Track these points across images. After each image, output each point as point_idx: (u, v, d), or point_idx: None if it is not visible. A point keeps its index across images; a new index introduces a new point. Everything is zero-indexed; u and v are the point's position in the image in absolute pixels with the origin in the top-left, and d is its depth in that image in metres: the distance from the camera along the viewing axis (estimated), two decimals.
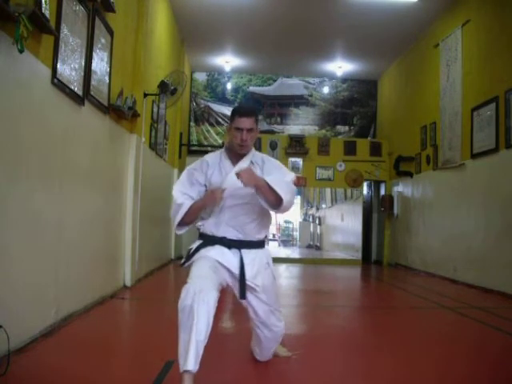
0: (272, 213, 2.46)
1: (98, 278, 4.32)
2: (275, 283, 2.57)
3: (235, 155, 2.47)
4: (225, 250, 2.37)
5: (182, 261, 2.44)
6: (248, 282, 2.34)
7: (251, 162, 2.47)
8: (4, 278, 2.59)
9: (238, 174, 2.21)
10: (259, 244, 2.48)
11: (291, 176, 2.45)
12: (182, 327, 2.07)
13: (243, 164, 2.42)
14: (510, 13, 5.74)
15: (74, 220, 3.65)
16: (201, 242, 2.43)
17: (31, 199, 2.91)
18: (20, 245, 2.79)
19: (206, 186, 2.45)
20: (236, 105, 10.89)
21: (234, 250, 2.38)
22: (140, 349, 3.06)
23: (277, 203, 2.29)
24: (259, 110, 2.28)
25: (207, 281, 2.16)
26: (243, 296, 2.35)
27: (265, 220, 2.50)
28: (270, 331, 2.55)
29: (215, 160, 2.49)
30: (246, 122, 2.34)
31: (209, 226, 2.42)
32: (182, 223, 2.41)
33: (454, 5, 7.18)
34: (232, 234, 2.40)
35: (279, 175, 2.40)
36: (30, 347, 2.82)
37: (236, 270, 2.34)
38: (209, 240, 2.40)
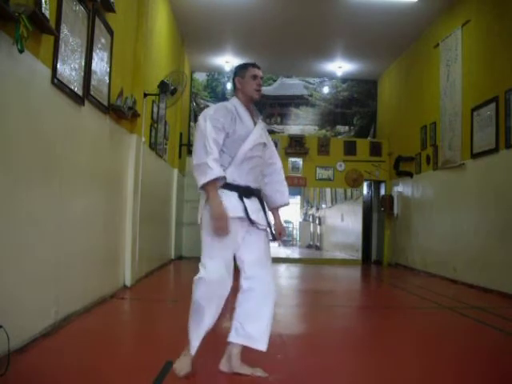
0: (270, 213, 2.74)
1: (97, 278, 4.32)
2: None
3: (247, 106, 2.62)
4: (251, 205, 2.49)
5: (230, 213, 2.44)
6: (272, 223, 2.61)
7: (264, 131, 2.66)
8: (4, 278, 2.59)
9: (280, 235, 2.73)
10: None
11: (281, 164, 2.84)
12: (196, 318, 2.43)
13: (259, 122, 2.62)
14: (510, 13, 5.74)
15: (73, 220, 3.65)
16: (230, 192, 2.45)
17: (31, 199, 2.91)
18: (20, 245, 2.79)
19: (228, 134, 2.46)
20: None
21: (255, 199, 2.55)
22: (140, 349, 3.06)
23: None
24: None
25: (224, 272, 2.42)
26: (274, 238, 2.63)
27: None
28: (262, 281, 2.52)
29: (232, 109, 2.54)
30: (259, 72, 2.58)
31: (231, 175, 2.46)
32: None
33: (453, 5, 7.18)
34: (253, 184, 2.55)
35: (275, 159, 2.75)
36: (30, 347, 2.82)
37: (261, 220, 2.53)
38: (232, 188, 2.46)
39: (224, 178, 2.40)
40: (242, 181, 2.48)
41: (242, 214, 2.43)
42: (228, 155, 2.47)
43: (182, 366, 2.43)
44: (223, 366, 2.53)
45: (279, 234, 2.73)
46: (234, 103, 2.58)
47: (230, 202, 2.43)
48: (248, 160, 2.50)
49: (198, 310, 2.44)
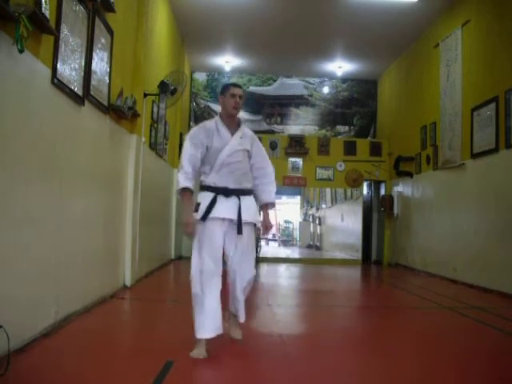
0: (272, 211, 3.28)
1: (98, 278, 4.32)
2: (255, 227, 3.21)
3: (230, 122, 3.08)
4: (226, 203, 2.96)
5: (198, 216, 2.91)
6: (244, 219, 2.97)
7: (244, 133, 3.11)
8: (4, 278, 2.59)
9: (266, 229, 3.20)
10: (250, 191, 3.11)
11: (267, 158, 3.26)
12: (197, 308, 2.88)
13: (238, 134, 3.06)
14: (510, 13, 5.74)
15: (73, 220, 3.65)
16: (209, 194, 2.97)
17: (31, 199, 2.91)
18: (20, 245, 2.79)
19: (207, 147, 3.00)
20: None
21: (234, 197, 2.98)
22: (140, 349, 3.06)
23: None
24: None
25: (211, 264, 2.90)
26: (240, 231, 2.97)
27: (249, 175, 3.14)
28: (243, 278, 3.06)
29: (212, 126, 3.06)
30: (238, 91, 3.06)
31: (212, 179, 2.99)
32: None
33: (453, 5, 7.18)
34: (232, 185, 2.99)
35: (264, 164, 3.20)
36: (29, 347, 2.82)
37: (234, 216, 2.97)
38: (212, 190, 2.97)
39: (189, 189, 2.91)
40: (220, 183, 2.98)
41: (215, 215, 2.92)
42: (208, 164, 3.00)
43: (197, 353, 2.82)
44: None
45: (265, 228, 3.20)
46: (216, 120, 3.09)
47: (205, 203, 2.93)
48: (226, 166, 2.98)
49: (196, 300, 2.89)
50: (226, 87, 3.10)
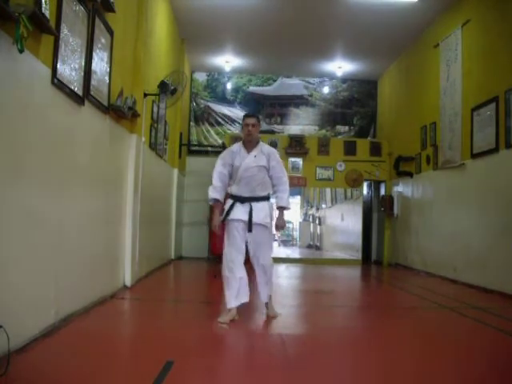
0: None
1: (97, 278, 4.32)
2: (271, 226, 3.97)
3: (248, 145, 3.94)
4: (241, 208, 3.82)
5: (222, 218, 3.89)
6: (254, 220, 3.80)
7: (261, 151, 3.91)
8: (4, 278, 2.59)
9: (277, 228, 4.08)
10: (263, 198, 3.91)
11: (281, 163, 4.01)
12: (226, 286, 3.84)
13: (253, 153, 3.89)
14: (510, 13, 5.74)
15: (73, 220, 3.65)
16: (230, 201, 3.90)
17: (31, 199, 2.91)
18: (20, 245, 2.79)
19: (232, 165, 3.90)
20: (236, 105, 11.11)
21: (247, 203, 3.84)
22: (140, 349, 3.06)
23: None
24: (259, 117, 3.42)
25: (234, 253, 3.83)
26: (250, 230, 3.81)
27: (266, 184, 3.93)
28: (259, 263, 3.91)
29: (237, 149, 3.96)
30: (251, 120, 3.89)
31: (233, 189, 3.93)
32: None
33: (453, 5, 7.18)
34: (246, 194, 3.86)
35: (280, 174, 3.96)
36: (29, 347, 2.82)
37: (246, 218, 3.81)
38: (233, 198, 3.91)
39: (217, 199, 3.87)
40: (238, 193, 3.89)
41: (232, 217, 3.84)
42: (233, 178, 3.94)
43: (223, 319, 3.70)
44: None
45: (276, 227, 4.05)
46: (239, 145, 3.98)
47: (227, 208, 3.89)
48: (244, 179, 3.86)
49: (225, 280, 3.84)
50: (243, 118, 3.99)
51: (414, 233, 8.62)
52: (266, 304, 4.05)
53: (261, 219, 3.82)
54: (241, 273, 3.82)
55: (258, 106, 11.15)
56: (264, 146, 3.97)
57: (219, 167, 3.91)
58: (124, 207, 5.26)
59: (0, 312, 2.47)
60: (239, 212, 3.81)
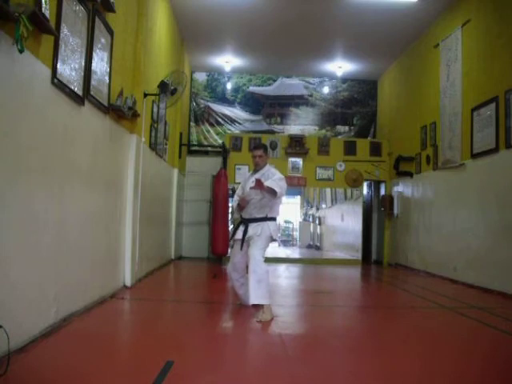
0: (275, 210, 4.45)
1: (97, 278, 4.32)
2: (267, 240, 4.30)
3: (255, 170, 4.49)
4: (241, 228, 4.36)
5: (230, 236, 4.96)
6: (246, 237, 4.28)
7: (262, 175, 4.33)
8: (4, 278, 2.59)
9: (256, 180, 4.15)
10: (261, 219, 4.30)
11: (280, 175, 4.37)
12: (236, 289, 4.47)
13: (257, 175, 4.33)
14: (510, 13, 5.74)
15: (73, 220, 3.65)
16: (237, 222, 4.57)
17: (31, 199, 2.91)
18: (20, 245, 2.80)
19: (244, 187, 4.51)
20: (236, 105, 11.12)
21: (245, 224, 4.33)
22: (140, 349, 3.06)
23: (274, 193, 4.20)
24: (266, 146, 4.10)
25: (235, 264, 4.40)
26: (241, 247, 4.31)
27: (263, 208, 4.31)
28: (249, 257, 4.19)
29: (248, 174, 4.71)
30: (257, 152, 4.41)
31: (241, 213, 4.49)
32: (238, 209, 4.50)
33: (453, 5, 7.18)
34: (246, 216, 4.37)
35: (274, 177, 4.29)
36: (29, 347, 2.82)
37: (241, 236, 4.33)
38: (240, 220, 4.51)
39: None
40: (242, 215, 4.42)
41: (235, 237, 4.46)
42: None
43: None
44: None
45: (257, 181, 4.17)
46: (251, 173, 4.61)
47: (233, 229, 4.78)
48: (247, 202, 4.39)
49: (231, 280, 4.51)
50: (251, 150, 4.55)
51: (414, 233, 8.62)
52: (254, 305, 4.12)
53: (251, 234, 4.24)
54: (237, 283, 4.43)
55: (258, 106, 11.16)
56: (269, 170, 4.40)
57: (238, 190, 4.60)
58: (124, 207, 5.26)
59: (0, 312, 2.47)
60: (239, 232, 4.36)
